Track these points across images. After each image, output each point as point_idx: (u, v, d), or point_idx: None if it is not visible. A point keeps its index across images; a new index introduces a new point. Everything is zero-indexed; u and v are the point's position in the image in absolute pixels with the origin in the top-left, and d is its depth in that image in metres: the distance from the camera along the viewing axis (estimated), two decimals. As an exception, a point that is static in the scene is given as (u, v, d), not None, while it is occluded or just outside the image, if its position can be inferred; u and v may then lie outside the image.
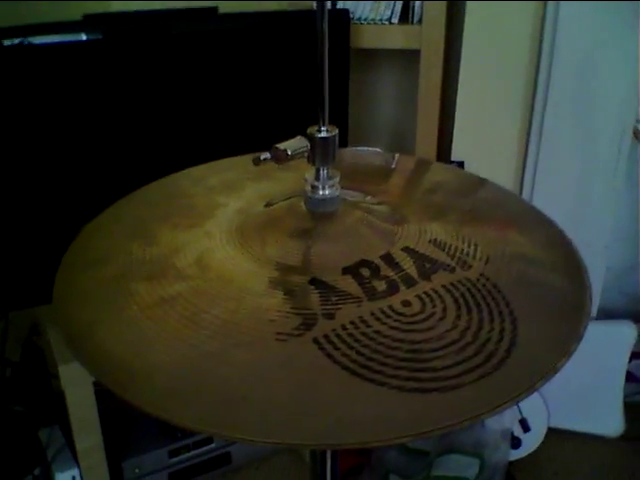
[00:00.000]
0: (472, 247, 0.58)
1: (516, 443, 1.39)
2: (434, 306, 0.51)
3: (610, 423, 1.43)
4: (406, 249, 0.57)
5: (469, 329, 0.50)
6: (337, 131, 0.55)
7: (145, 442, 1.29)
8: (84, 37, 1.02)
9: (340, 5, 1.32)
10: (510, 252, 0.59)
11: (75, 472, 1.18)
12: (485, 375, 0.46)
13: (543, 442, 1.41)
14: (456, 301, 0.52)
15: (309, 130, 0.55)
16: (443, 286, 0.53)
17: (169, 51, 1.09)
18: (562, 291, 0.55)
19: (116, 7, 1.36)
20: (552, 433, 1.42)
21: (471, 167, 1.35)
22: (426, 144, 1.41)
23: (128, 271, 0.53)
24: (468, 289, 0.53)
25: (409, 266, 0.55)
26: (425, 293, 0.52)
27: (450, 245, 0.58)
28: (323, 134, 0.55)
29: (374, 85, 1.62)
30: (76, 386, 1.08)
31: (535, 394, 1.54)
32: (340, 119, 1.29)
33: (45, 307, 1.14)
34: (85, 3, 1.19)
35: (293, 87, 1.18)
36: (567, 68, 1.24)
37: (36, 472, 1.24)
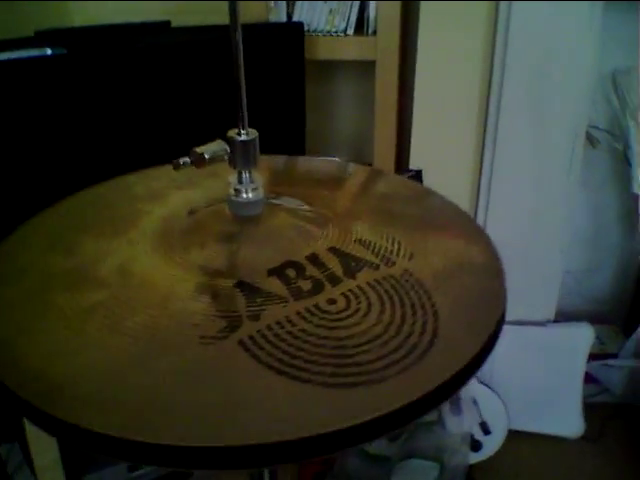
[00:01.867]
0: (396, 245, 0.59)
1: (477, 446, 1.38)
2: (359, 303, 0.50)
3: (570, 424, 1.44)
4: (331, 249, 0.56)
5: (392, 323, 0.49)
6: (257, 134, 0.54)
7: (104, 457, 1.24)
8: (49, 52, 1.01)
9: (296, 18, 1.31)
10: (432, 248, 0.60)
11: (32, 489, 1.15)
12: (408, 367, 0.46)
13: (504, 444, 1.40)
14: (380, 297, 0.51)
15: (229, 133, 0.54)
16: (368, 283, 0.52)
17: (133, 64, 1.08)
18: (481, 287, 0.56)
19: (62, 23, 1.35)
20: (512, 435, 1.41)
21: (429, 175, 1.37)
22: (384, 153, 1.41)
23: (47, 283, 0.50)
24: (392, 285, 0.53)
25: (334, 265, 0.54)
26: (350, 291, 0.51)
27: (375, 244, 0.58)
28: (243, 137, 0.54)
29: (331, 96, 1.61)
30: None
31: (494, 396, 1.56)
32: (297, 129, 1.30)
33: None
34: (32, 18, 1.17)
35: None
36: (520, 74, 1.26)
37: (-7, 490, 1.20)
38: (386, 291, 0.52)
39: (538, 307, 1.43)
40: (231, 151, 0.53)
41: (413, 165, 1.42)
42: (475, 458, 1.40)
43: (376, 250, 0.57)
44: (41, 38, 1.06)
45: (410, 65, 1.38)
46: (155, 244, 0.56)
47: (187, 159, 0.52)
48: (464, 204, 1.39)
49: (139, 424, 0.41)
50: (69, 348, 0.45)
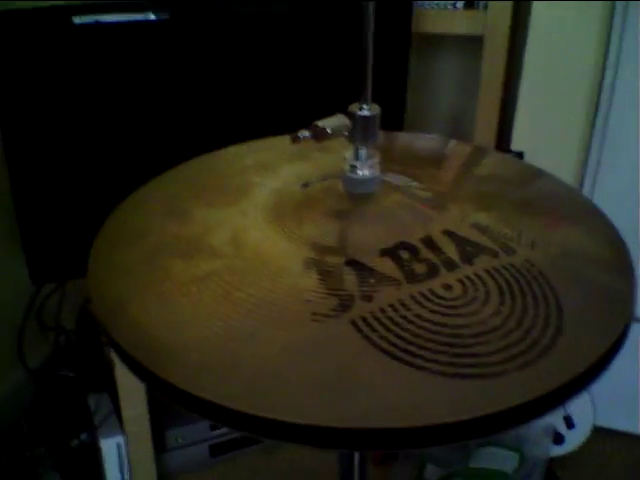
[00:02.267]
0: (516, 232, 0.56)
1: (559, 439, 1.34)
2: (476, 290, 0.47)
3: None
4: (447, 232, 0.54)
5: (512, 315, 0.46)
6: (379, 110, 0.52)
7: (188, 413, 1.29)
8: (152, 17, 1.03)
9: (403, -10, 1.29)
10: (556, 240, 0.56)
11: (120, 439, 1.19)
12: (529, 363, 0.44)
13: (587, 440, 1.35)
14: (499, 286, 0.48)
15: (350, 108, 0.52)
16: (486, 270, 0.49)
17: (234, 32, 1.08)
18: (608, 284, 0.51)
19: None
20: (597, 432, 1.36)
21: (531, 158, 1.31)
22: (485, 133, 1.36)
23: (163, 248, 0.51)
24: (512, 274, 0.50)
25: (450, 249, 0.51)
26: (467, 277, 0.48)
27: (493, 229, 0.55)
28: (365, 112, 0.52)
29: (435, 71, 1.56)
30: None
31: None
32: (398, 104, 1.28)
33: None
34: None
35: (346, 70, 1.17)
36: (636, 62, 1.18)
37: (83, 437, 1.26)
38: (506, 280, 0.49)
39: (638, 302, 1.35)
40: (352, 126, 0.52)
41: (515, 147, 1.37)
42: (557, 452, 1.35)
43: (494, 236, 0.54)
44: (150, 2, 1.07)
45: (519, 44, 1.32)
46: (267, 216, 0.55)
47: (307, 133, 0.51)
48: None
49: (252, 396, 0.40)
50: (185, 316, 0.46)
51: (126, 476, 1.23)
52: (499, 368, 0.43)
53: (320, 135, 0.51)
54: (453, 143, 0.74)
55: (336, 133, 0.51)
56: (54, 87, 1.01)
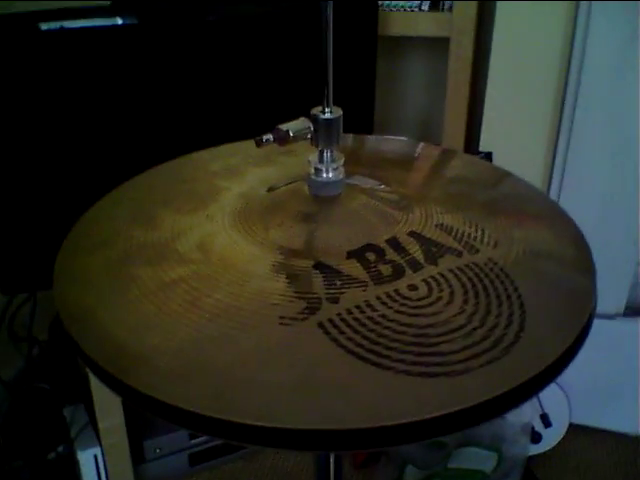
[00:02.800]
0: (479, 232, 0.57)
1: (536, 438, 1.36)
2: (441, 290, 0.48)
3: (632, 421, 1.39)
4: (412, 233, 0.55)
5: (476, 313, 0.47)
6: (341, 112, 0.52)
7: (166, 423, 1.28)
8: (119, 21, 1.02)
9: (368, -7, 1.30)
10: (519, 237, 0.58)
11: (97, 450, 1.18)
12: (493, 360, 0.44)
13: (564, 438, 1.38)
14: (463, 285, 0.49)
15: (313, 111, 0.53)
16: (450, 270, 0.50)
17: (201, 37, 1.08)
18: (570, 281, 0.53)
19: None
20: (573, 429, 1.38)
21: (499, 158, 1.33)
22: (454, 134, 1.37)
23: (129, 255, 0.51)
24: (476, 274, 0.51)
25: (415, 250, 0.52)
26: (432, 277, 0.49)
27: (457, 229, 0.56)
28: (327, 115, 0.52)
29: (402, 73, 1.57)
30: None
31: (557, 389, 1.53)
32: (366, 106, 1.29)
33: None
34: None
35: (306, 73, 1.18)
36: (600, 62, 1.20)
37: (60, 449, 1.25)
38: (469, 279, 0.50)
39: (607, 300, 1.37)
40: (314, 129, 0.52)
41: (483, 148, 1.39)
42: (534, 450, 1.37)
43: (458, 236, 0.55)
44: (117, 7, 1.07)
45: (485, 44, 1.34)
46: (233, 221, 0.56)
47: (270, 136, 0.51)
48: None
49: (221, 401, 0.41)
50: (151, 322, 0.46)
51: (104, 488, 1.22)
52: (464, 366, 0.44)
53: (283, 138, 0.51)
54: (421, 146, 0.75)
55: (299, 136, 0.52)
56: (21, 94, 1.00)
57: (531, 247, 0.56)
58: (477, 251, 0.54)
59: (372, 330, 0.45)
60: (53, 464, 1.26)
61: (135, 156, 1.09)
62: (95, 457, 1.20)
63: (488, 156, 1.37)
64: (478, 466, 1.31)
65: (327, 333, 0.45)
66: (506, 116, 1.34)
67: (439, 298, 0.48)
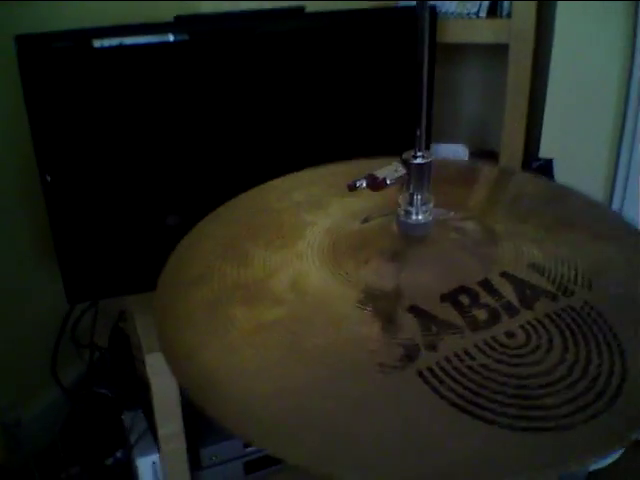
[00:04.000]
0: (572, 271, 0.56)
1: None
2: (539, 338, 0.48)
3: None
4: (504, 274, 0.54)
5: (577, 363, 0.46)
6: (433, 156, 0.52)
7: (222, 431, 1.30)
8: (171, 38, 1.04)
9: (426, 2, 1.29)
10: (611, 275, 0.57)
11: (155, 457, 1.21)
12: (597, 414, 0.44)
13: (625, 452, 1.31)
14: (562, 332, 0.48)
15: (404, 155, 0.53)
16: (547, 315, 0.50)
17: (253, 51, 1.08)
18: None
19: (205, 8, 1.39)
20: (636, 444, 1.37)
21: (560, 165, 1.31)
22: (513, 141, 1.36)
23: (224, 294, 0.52)
24: (573, 318, 0.50)
25: (509, 293, 0.52)
26: (528, 323, 0.49)
27: (550, 269, 0.56)
28: (419, 160, 0.52)
29: (459, 80, 1.57)
30: (161, 374, 1.09)
31: None
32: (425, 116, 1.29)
33: (133, 295, 1.18)
34: (174, 3, 1.21)
35: (380, 92, 1.17)
36: None
37: (118, 455, 1.28)
38: (567, 325, 0.50)
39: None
40: (406, 173, 0.52)
41: (543, 154, 1.37)
42: (595, 466, 1.34)
43: (552, 277, 0.55)
44: (180, 23, 1.08)
45: (544, 50, 1.32)
46: (323, 258, 0.56)
47: (363, 182, 0.52)
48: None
49: (325, 457, 0.41)
50: (252, 366, 0.47)
51: (162, 494, 1.25)
52: (568, 421, 0.43)
53: (377, 185, 0.51)
54: (479, 166, 0.74)
55: (393, 183, 0.52)
56: (81, 111, 1.03)
57: (626, 283, 0.55)
58: (572, 293, 0.53)
59: (472, 380, 0.45)
60: (111, 470, 1.29)
61: (198, 173, 1.10)
62: (153, 463, 1.23)
63: (548, 163, 1.35)
64: (538, 482, 1.30)
65: (427, 382, 0.45)
66: (567, 122, 1.32)
67: (538, 346, 0.48)
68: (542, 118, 1.33)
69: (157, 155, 1.10)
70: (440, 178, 0.71)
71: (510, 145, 1.39)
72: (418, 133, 0.52)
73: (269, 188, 0.68)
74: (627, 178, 1.31)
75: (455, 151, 1.42)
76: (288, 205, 0.64)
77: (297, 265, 0.55)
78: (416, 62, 0.52)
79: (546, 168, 1.32)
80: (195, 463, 1.28)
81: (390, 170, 0.52)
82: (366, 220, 0.58)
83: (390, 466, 0.41)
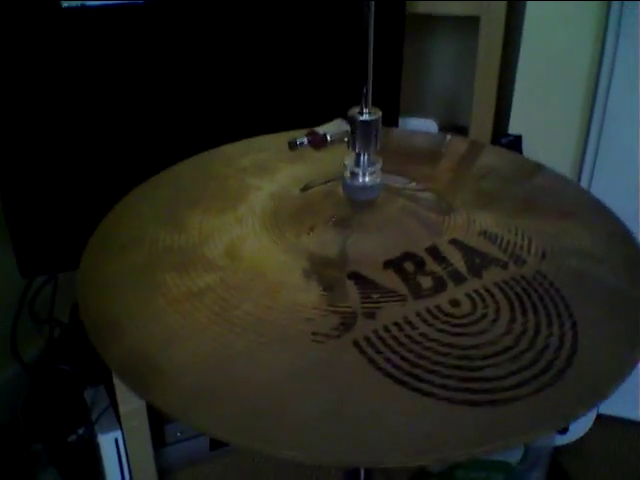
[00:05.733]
0: (526, 240, 0.53)
1: (563, 429, 1.31)
2: (486, 307, 0.45)
3: None
4: (454, 241, 0.51)
5: (525, 334, 0.44)
6: (380, 114, 0.49)
7: None
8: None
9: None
10: (568, 247, 0.54)
11: (118, 434, 1.17)
12: (543, 388, 0.42)
13: (591, 429, 1.34)
14: (510, 301, 0.45)
15: (350, 112, 0.49)
16: (495, 284, 0.47)
17: (224, 16, 1.04)
18: (623, 291, 0.50)
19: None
20: (601, 420, 1.35)
21: (529, 141, 1.29)
22: (482, 115, 1.33)
23: (156, 259, 0.48)
24: (523, 288, 0.48)
25: (457, 260, 0.49)
26: (475, 291, 0.46)
27: (502, 238, 0.53)
28: (365, 117, 0.49)
29: (429, 52, 1.54)
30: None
31: None
32: (392, 87, 1.25)
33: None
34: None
35: (335, 60, 1.14)
36: (636, 41, 1.14)
37: (80, 432, 1.24)
38: (517, 295, 0.47)
39: None
40: (351, 131, 0.49)
41: (512, 130, 1.34)
42: (561, 440, 1.34)
43: (504, 245, 0.52)
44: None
45: (516, 25, 1.29)
46: (264, 224, 0.53)
47: (305, 139, 0.48)
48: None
49: (249, 428, 0.38)
50: (178, 335, 0.43)
51: (125, 471, 1.22)
52: (511, 394, 0.40)
53: (319, 142, 0.48)
54: (448, 138, 0.71)
55: (336, 140, 0.48)
56: (42, 74, 0.98)
57: (583, 256, 0.52)
58: (524, 262, 0.50)
59: (411, 350, 0.42)
60: (73, 446, 1.26)
61: (160, 140, 1.06)
62: (116, 440, 1.20)
63: (517, 139, 1.33)
64: (503, 457, 1.29)
65: (363, 352, 0.42)
66: (537, 98, 1.29)
67: (484, 315, 0.45)
68: (512, 94, 1.30)
69: (113, 120, 1.05)
70: (408, 151, 0.68)
71: (479, 120, 1.37)
72: (364, 90, 0.48)
73: (216, 153, 0.64)
74: (596, 154, 1.29)
75: (425, 126, 1.39)
76: (234, 171, 0.61)
77: (236, 230, 0.52)
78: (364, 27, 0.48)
79: (515, 144, 1.30)
80: (159, 439, 1.25)
81: (332, 126, 0.48)
82: (307, 187, 0.55)
83: (320, 442, 0.38)
